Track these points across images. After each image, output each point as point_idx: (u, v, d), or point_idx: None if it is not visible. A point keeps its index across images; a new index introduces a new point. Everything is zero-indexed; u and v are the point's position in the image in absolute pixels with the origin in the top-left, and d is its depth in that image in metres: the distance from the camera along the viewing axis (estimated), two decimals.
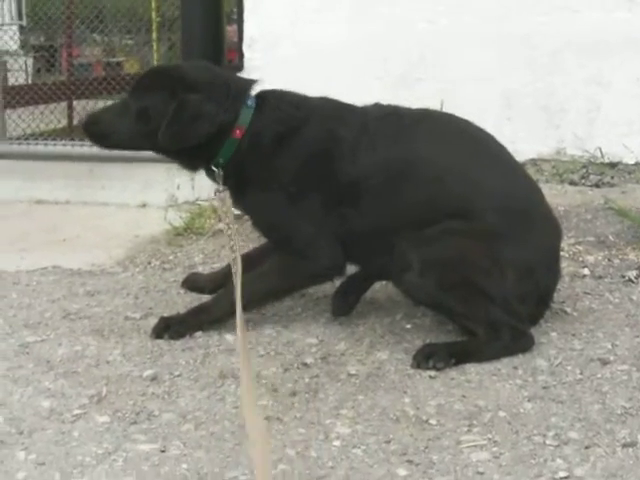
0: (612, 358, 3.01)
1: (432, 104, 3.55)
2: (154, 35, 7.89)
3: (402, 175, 3.14)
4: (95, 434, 2.53)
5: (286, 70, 4.89)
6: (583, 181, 4.85)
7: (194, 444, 2.47)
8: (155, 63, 7.97)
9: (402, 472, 2.33)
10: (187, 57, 5.75)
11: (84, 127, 3.39)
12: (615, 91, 4.89)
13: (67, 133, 6.74)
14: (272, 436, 2.49)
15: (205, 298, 3.50)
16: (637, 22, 4.82)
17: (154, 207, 5.04)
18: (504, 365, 2.96)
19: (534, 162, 4.94)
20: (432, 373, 2.90)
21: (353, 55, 5.10)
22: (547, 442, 2.45)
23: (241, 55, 5.53)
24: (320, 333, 3.27)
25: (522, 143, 4.61)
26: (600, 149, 4.89)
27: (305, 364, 3.00)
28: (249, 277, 3.25)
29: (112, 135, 3.32)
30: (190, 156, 3.30)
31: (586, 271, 3.86)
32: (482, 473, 2.31)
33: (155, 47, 8.07)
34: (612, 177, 4.84)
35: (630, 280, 3.75)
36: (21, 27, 7.32)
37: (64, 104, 7.25)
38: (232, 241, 3.07)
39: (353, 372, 2.92)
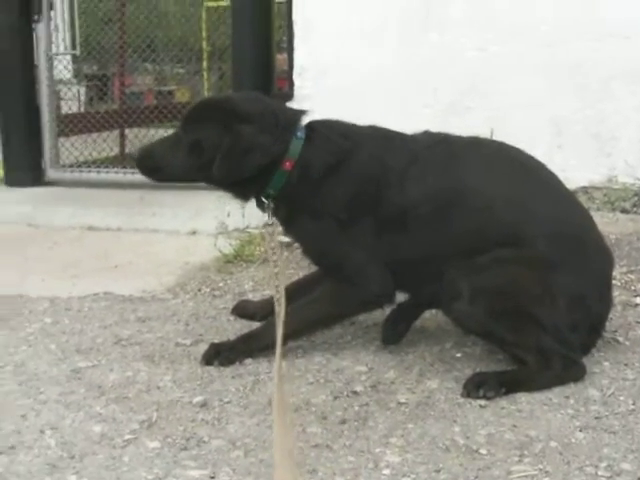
0: None
1: (482, 132, 3.54)
2: (205, 64, 7.98)
3: (451, 204, 3.13)
4: (145, 459, 2.54)
5: (336, 98, 4.93)
6: (635, 209, 4.81)
7: (243, 471, 2.47)
8: (205, 92, 8.06)
9: None
10: (237, 86, 5.83)
11: (137, 162, 3.40)
12: None
13: (119, 161, 6.82)
14: (322, 464, 2.49)
15: (255, 325, 3.51)
16: None
17: (204, 234, 5.07)
18: (555, 395, 2.93)
19: (585, 190, 4.91)
20: (482, 402, 2.87)
21: (402, 83, 5.13)
22: (599, 473, 2.42)
23: (291, 84, 5.57)
24: (370, 361, 3.26)
25: (573, 171, 4.58)
26: None
27: (355, 392, 2.99)
28: (299, 304, 3.28)
29: (165, 169, 3.33)
30: (241, 187, 3.31)
31: (638, 300, 3.82)
32: None
33: (206, 76, 8.16)
34: None
35: None
36: (74, 56, 7.43)
37: (116, 132, 7.35)
38: (277, 281, 3.07)
39: (403, 400, 2.91)
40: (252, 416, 2.81)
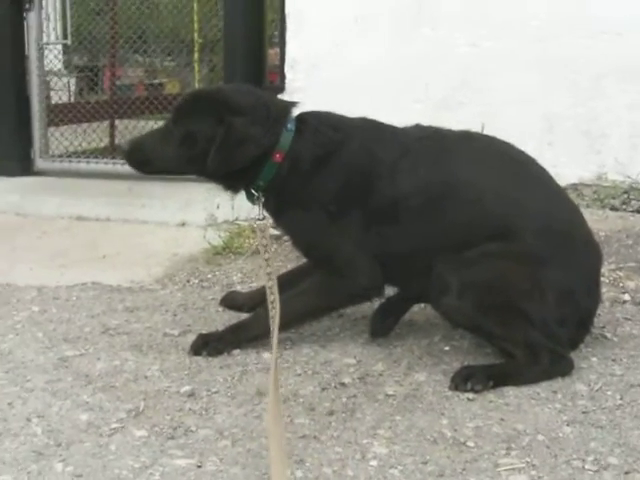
0: None
1: (473, 127, 3.53)
2: (196, 56, 7.96)
3: (442, 196, 3.13)
4: (132, 448, 2.53)
5: (327, 91, 4.92)
6: (624, 206, 4.82)
7: (231, 460, 2.46)
8: (196, 84, 8.04)
9: None
10: (229, 79, 5.82)
11: (127, 155, 3.36)
12: None
13: (109, 152, 6.79)
14: (309, 455, 2.49)
15: (243, 316, 3.51)
16: None
17: (193, 226, 5.06)
18: (543, 389, 2.93)
19: (575, 187, 4.91)
20: (470, 395, 2.88)
21: (394, 77, 5.12)
22: (586, 467, 2.43)
23: (283, 77, 5.56)
24: (358, 353, 3.26)
25: (563, 167, 4.58)
26: None
27: (342, 384, 2.99)
28: (288, 296, 3.27)
29: (155, 161, 3.31)
30: (232, 179, 3.30)
31: (627, 297, 3.83)
32: None
33: (197, 68, 8.13)
34: None
35: None
36: (65, 47, 7.39)
37: (106, 123, 7.32)
38: (271, 282, 3.08)
39: (391, 393, 2.91)
40: (240, 406, 2.81)
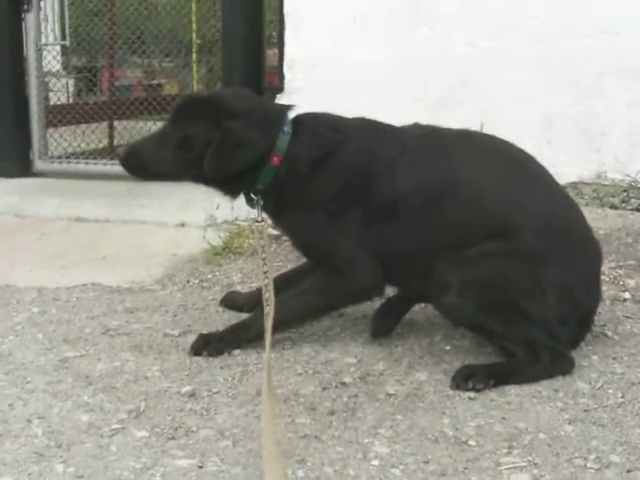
0: None
1: (472, 127, 3.53)
2: (194, 57, 7.95)
3: (441, 194, 3.12)
4: (133, 449, 2.53)
5: (326, 91, 4.92)
6: (624, 205, 4.82)
7: (232, 461, 2.46)
8: (194, 85, 8.03)
9: None
10: (227, 79, 5.81)
11: (123, 160, 3.32)
12: None
13: (107, 153, 6.79)
14: (310, 455, 2.49)
15: (243, 316, 3.50)
16: None
17: (193, 226, 5.05)
18: (544, 387, 2.93)
19: (574, 185, 4.91)
20: (471, 394, 2.87)
21: (393, 77, 5.13)
22: (588, 465, 2.42)
23: (281, 77, 5.56)
24: (359, 353, 3.25)
25: (562, 166, 4.58)
26: None
27: (343, 383, 2.98)
28: (288, 296, 3.28)
29: (151, 166, 3.29)
30: (230, 184, 3.29)
31: (627, 295, 3.82)
32: None
33: (195, 69, 8.12)
34: None
35: None
36: (64, 48, 7.38)
37: (105, 124, 7.31)
38: (267, 279, 3.08)
39: (392, 392, 2.91)
40: (240, 406, 2.81)
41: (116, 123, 7.29)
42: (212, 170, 3.16)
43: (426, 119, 3.38)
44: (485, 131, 4.05)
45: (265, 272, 3.10)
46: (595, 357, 3.19)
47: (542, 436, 2.59)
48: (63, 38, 6.70)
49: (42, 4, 6.36)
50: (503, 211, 3.07)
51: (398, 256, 3.20)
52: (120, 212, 5.36)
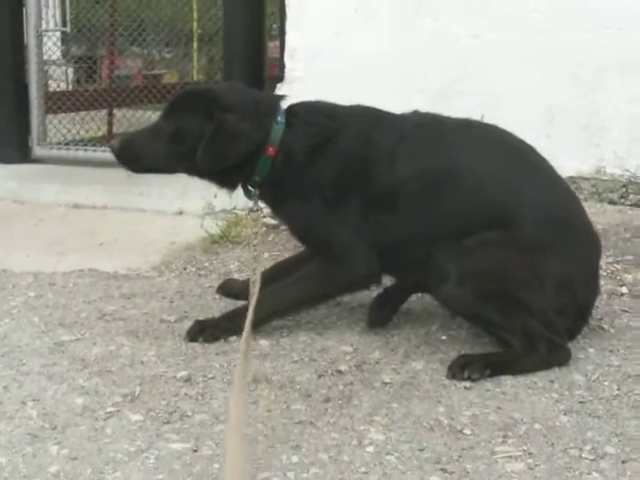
0: None
1: (473, 118, 3.53)
2: (195, 47, 7.94)
3: (440, 183, 3.12)
4: (128, 432, 2.52)
5: (327, 81, 4.91)
6: (622, 200, 4.82)
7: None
8: (195, 73, 8.03)
9: None
10: (228, 69, 5.80)
11: (117, 152, 3.34)
12: None
13: (106, 140, 6.78)
14: (305, 441, 2.49)
15: (240, 304, 3.49)
16: None
17: (191, 214, 5.05)
18: (540, 378, 2.92)
19: (573, 180, 4.90)
20: (467, 384, 2.87)
21: (394, 67, 5.11)
22: (583, 455, 2.42)
23: (282, 67, 5.55)
24: (355, 341, 3.25)
25: (562, 160, 4.55)
26: None
27: (339, 371, 2.98)
28: (285, 283, 3.28)
29: (145, 159, 3.31)
30: (226, 176, 3.30)
31: (624, 289, 3.82)
32: None
33: (195, 59, 8.12)
34: None
35: None
36: (64, 35, 7.37)
37: (104, 112, 7.31)
38: (255, 264, 3.11)
39: (387, 380, 2.90)
40: None
41: (115, 111, 7.28)
42: (205, 162, 3.17)
43: (428, 109, 3.36)
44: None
45: (255, 257, 3.13)
46: (592, 350, 3.19)
47: (537, 426, 2.59)
48: (64, 24, 6.69)
49: None
50: (503, 200, 3.06)
51: (396, 245, 3.19)
52: (118, 199, 5.35)
